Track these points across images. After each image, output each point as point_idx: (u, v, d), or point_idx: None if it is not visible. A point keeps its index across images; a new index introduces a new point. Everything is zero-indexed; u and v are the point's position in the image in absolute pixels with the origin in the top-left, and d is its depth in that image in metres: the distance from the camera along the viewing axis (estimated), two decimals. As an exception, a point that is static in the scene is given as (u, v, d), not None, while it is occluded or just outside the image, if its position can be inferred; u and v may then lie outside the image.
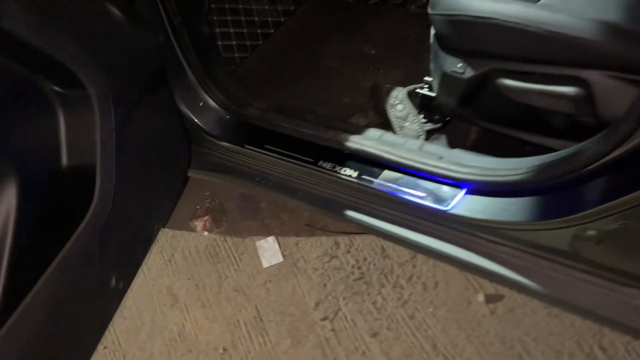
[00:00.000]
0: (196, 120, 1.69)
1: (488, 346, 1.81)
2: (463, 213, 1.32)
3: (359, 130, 1.52)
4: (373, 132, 1.51)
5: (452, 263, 1.40)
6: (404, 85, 1.71)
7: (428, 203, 1.37)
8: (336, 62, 1.94)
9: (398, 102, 1.59)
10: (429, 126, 1.59)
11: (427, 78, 1.54)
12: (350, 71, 1.91)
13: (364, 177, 1.46)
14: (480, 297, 1.94)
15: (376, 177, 1.45)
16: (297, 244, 2.19)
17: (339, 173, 1.49)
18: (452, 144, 1.59)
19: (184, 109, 1.68)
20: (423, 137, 1.55)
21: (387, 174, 1.44)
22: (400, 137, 1.51)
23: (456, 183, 1.35)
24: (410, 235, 1.42)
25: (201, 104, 1.68)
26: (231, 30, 2.15)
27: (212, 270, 2.21)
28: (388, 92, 1.62)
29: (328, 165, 1.52)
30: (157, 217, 1.48)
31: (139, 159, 1.28)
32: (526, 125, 1.38)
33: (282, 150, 1.60)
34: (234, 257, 2.22)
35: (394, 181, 1.43)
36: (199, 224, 2.30)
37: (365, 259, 2.09)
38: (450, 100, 1.43)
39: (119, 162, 1.10)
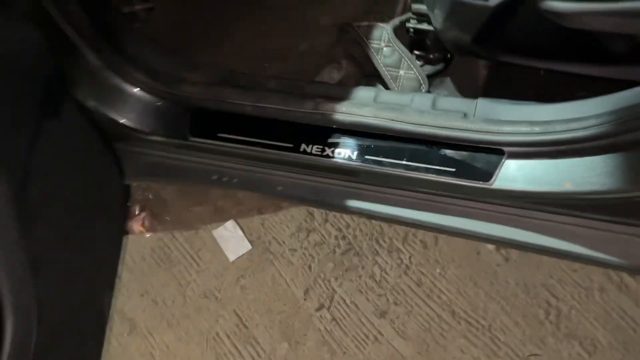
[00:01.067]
0: (114, 115, 1.23)
1: (511, 299, 1.60)
2: (513, 186, 1.01)
3: (345, 93, 1.13)
4: (364, 93, 1.13)
5: (503, 244, 1.11)
6: (375, 19, 1.31)
7: (462, 180, 1.04)
8: (275, -3, 1.49)
9: (385, 45, 1.20)
10: (429, 69, 1.23)
11: (417, 6, 1.16)
12: (298, 4, 1.47)
13: (367, 157, 1.10)
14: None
15: (384, 154, 1.10)
16: (263, 224, 1.83)
17: (331, 156, 1.12)
18: (464, 91, 1.24)
19: (94, 104, 1.20)
20: (425, 86, 1.19)
21: (397, 147, 1.09)
22: (400, 93, 1.14)
23: (494, 147, 1.03)
24: (443, 220, 1.11)
25: (116, 91, 1.21)
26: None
27: (168, 278, 1.81)
28: (368, 33, 1.22)
29: (314, 148, 1.14)
30: (103, 286, 1.06)
31: (64, 222, 0.84)
32: (571, 54, 1.05)
33: (244, 138, 1.19)
34: (191, 256, 1.83)
35: (410, 156, 1.08)
36: (135, 224, 1.86)
37: (348, 226, 1.78)
38: (463, 36, 1.07)
39: (33, 246, 0.67)
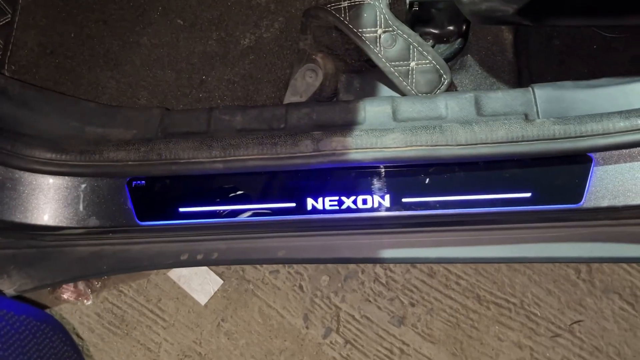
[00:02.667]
0: (13, 218, 0.81)
1: (536, 266, 1.42)
2: (611, 202, 0.75)
3: (351, 116, 0.79)
4: (377, 109, 0.80)
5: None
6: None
7: (542, 206, 0.77)
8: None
9: (382, 31, 0.84)
10: (444, 50, 0.90)
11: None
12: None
13: (405, 200, 0.79)
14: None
15: (428, 192, 0.79)
16: (228, 249, 1.48)
17: (354, 209, 0.80)
18: (495, 70, 0.92)
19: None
20: (447, 77, 0.86)
21: (445, 179, 0.78)
22: (424, 99, 0.81)
23: (577, 155, 0.75)
24: (517, 251, 0.84)
25: (5, 187, 0.78)
26: None
27: (132, 345, 1.45)
28: (355, 18, 0.85)
29: (328, 202, 0.81)
30: None
31: None
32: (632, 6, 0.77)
33: (220, 208, 0.82)
34: (152, 311, 1.47)
35: (465, 188, 0.78)
36: (64, 294, 1.45)
37: (331, 226, 1.47)
38: (507, 6, 0.74)
39: None
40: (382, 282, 1.43)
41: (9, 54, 0.99)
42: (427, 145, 0.76)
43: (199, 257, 0.91)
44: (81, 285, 1.46)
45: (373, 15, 0.85)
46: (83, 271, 0.94)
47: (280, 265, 1.48)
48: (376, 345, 1.41)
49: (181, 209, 0.84)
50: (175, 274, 1.48)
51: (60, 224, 0.84)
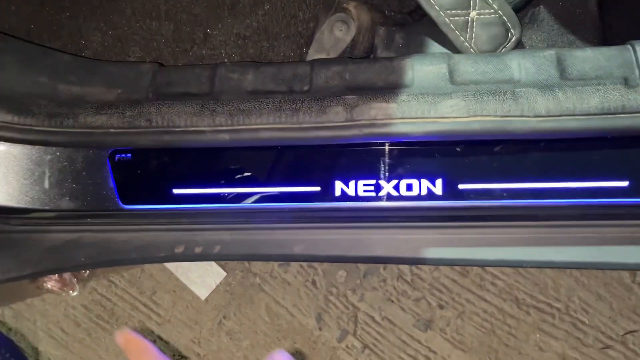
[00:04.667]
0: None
1: (585, 269, 1.23)
2: None
3: (394, 75, 0.61)
4: (428, 68, 0.62)
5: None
6: None
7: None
8: None
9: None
10: (512, -1, 0.71)
11: None
12: None
13: (462, 187, 0.62)
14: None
15: (495, 178, 0.61)
16: (233, 237, 1.31)
17: (395, 197, 0.62)
18: (577, 25, 0.73)
19: None
20: (516, 33, 0.67)
21: (516, 163, 0.61)
22: (493, 56, 0.63)
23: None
24: (612, 255, 0.66)
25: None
26: None
27: (121, 345, 1.28)
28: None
29: (363, 187, 0.63)
30: None
31: None
32: None
33: (223, 190, 0.65)
34: (145, 305, 1.30)
35: (541, 173, 0.60)
36: (50, 283, 1.29)
37: (350, 214, 1.29)
38: None
39: None
40: (407, 280, 1.26)
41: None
42: (496, 116, 0.58)
43: (198, 250, 0.73)
44: (66, 273, 1.29)
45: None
46: (56, 263, 0.77)
47: (292, 257, 1.30)
48: (399, 351, 1.24)
49: (175, 191, 0.67)
50: (173, 264, 1.31)
51: (24, 205, 0.67)
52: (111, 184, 0.67)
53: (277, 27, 0.82)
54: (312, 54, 0.74)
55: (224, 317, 1.29)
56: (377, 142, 0.63)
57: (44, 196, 0.67)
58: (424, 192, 0.63)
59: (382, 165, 0.64)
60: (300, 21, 0.82)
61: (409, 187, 0.63)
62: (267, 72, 0.66)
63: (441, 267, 1.26)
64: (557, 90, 0.59)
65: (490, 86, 0.61)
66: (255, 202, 0.66)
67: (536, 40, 0.73)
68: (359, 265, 1.28)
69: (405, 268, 1.27)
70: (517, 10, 0.72)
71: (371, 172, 0.64)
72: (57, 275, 1.29)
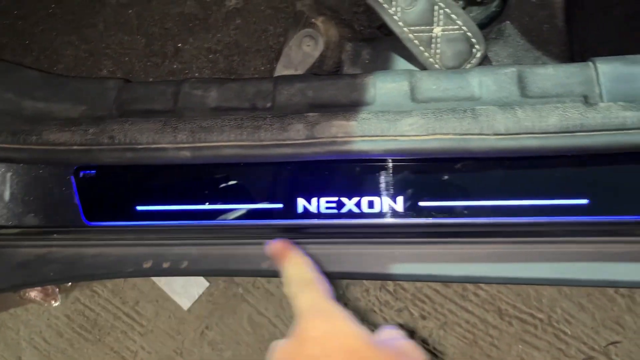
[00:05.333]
0: None
1: (567, 276, 1.22)
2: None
3: (357, 93, 0.61)
4: (390, 85, 0.62)
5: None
6: None
7: (601, 217, 0.59)
8: None
9: (399, -13, 0.66)
10: (477, 14, 0.71)
11: None
12: None
13: (422, 204, 0.61)
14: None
15: (453, 196, 0.61)
16: (216, 247, 1.31)
17: (357, 214, 0.62)
18: (543, 41, 0.73)
19: None
20: (481, 48, 0.67)
21: (476, 178, 0.61)
22: (455, 73, 0.63)
23: (653, 151, 0.57)
24: (572, 271, 0.66)
25: None
26: None
27: (104, 353, 1.29)
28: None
29: (324, 204, 0.63)
30: None
31: None
32: None
33: (187, 207, 0.65)
34: (128, 315, 1.30)
35: (500, 191, 0.60)
36: (33, 293, 1.29)
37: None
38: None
39: None
40: (390, 290, 1.26)
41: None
42: (455, 134, 0.58)
43: (166, 265, 0.73)
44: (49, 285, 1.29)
45: (386, -34, 0.66)
46: (26, 278, 0.77)
47: (275, 267, 1.31)
48: (381, 362, 1.23)
49: (139, 208, 0.67)
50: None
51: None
52: (76, 200, 0.67)
53: (248, 41, 0.82)
54: (280, 69, 0.75)
55: (207, 328, 1.29)
56: (339, 160, 0.63)
57: (8, 212, 0.67)
58: (385, 209, 0.63)
59: (344, 183, 0.64)
60: (271, 35, 0.82)
61: (371, 205, 0.63)
62: (230, 88, 0.66)
63: (424, 278, 1.26)
64: (516, 108, 0.59)
65: (451, 104, 0.61)
66: (219, 218, 0.66)
67: (502, 55, 0.73)
68: (342, 275, 1.28)
69: (387, 278, 1.27)
70: (483, 26, 0.72)
71: (333, 190, 0.64)
72: (40, 287, 1.29)
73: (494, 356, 1.21)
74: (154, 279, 1.30)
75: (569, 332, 1.20)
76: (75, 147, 0.64)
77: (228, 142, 0.62)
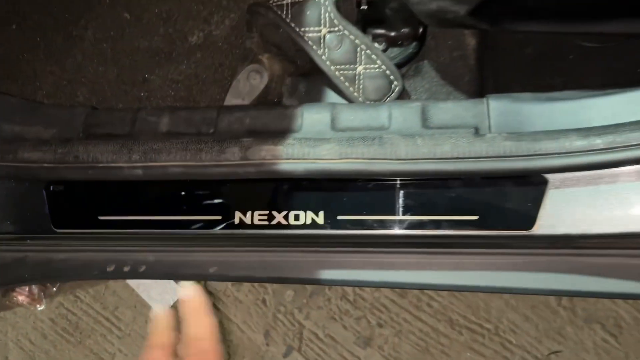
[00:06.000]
0: None
1: (514, 290, 1.31)
2: (566, 230, 0.67)
3: (286, 123, 0.72)
4: (315, 117, 0.73)
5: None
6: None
7: (489, 231, 0.68)
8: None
9: (327, 30, 0.77)
10: (397, 54, 0.82)
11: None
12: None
13: (340, 217, 0.71)
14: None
15: (365, 210, 0.71)
16: (191, 257, 1.41)
17: (285, 225, 0.72)
18: (452, 79, 0.84)
19: None
20: (399, 84, 0.78)
21: (384, 196, 0.71)
22: (367, 107, 0.73)
23: (531, 176, 0.67)
24: (462, 279, 0.75)
25: None
26: None
27: (84, 355, 1.39)
28: (296, 15, 0.77)
29: (257, 216, 0.73)
30: None
31: None
32: (618, 10, 0.68)
33: (140, 217, 0.75)
34: (108, 319, 1.40)
35: (406, 207, 0.70)
36: (19, 296, 1.39)
37: (299, 237, 1.39)
38: (457, 7, 0.66)
39: None
40: (350, 299, 1.35)
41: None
42: (364, 159, 0.68)
43: (126, 269, 0.84)
44: (35, 289, 1.40)
45: (317, 14, 0.77)
46: (4, 278, 0.87)
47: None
48: (339, 367, 1.33)
49: (100, 217, 0.77)
50: (135, 281, 1.41)
51: (-30, 228, 0.78)
52: (46, 210, 0.78)
53: (206, 72, 0.94)
54: (229, 99, 0.85)
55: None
56: (269, 178, 0.73)
57: (-12, 221, 0.78)
58: (308, 221, 0.73)
59: (274, 199, 0.74)
60: (227, 68, 0.93)
61: (297, 217, 0.73)
62: (180, 116, 0.76)
63: (382, 289, 1.35)
64: (417, 137, 0.69)
65: (364, 132, 0.72)
66: (168, 228, 0.76)
67: (420, 90, 0.84)
68: (306, 285, 1.37)
69: (349, 289, 1.36)
70: (402, 64, 0.83)
71: (264, 204, 0.74)
72: (27, 290, 1.39)
73: (444, 363, 1.30)
74: (133, 286, 1.40)
75: (514, 342, 1.29)
76: (45, 165, 0.75)
77: (174, 162, 0.72)
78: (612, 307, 1.28)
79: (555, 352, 1.28)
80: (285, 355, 1.33)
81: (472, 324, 1.31)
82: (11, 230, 0.79)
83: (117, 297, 1.40)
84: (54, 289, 1.41)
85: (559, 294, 0.76)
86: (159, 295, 1.39)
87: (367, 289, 1.35)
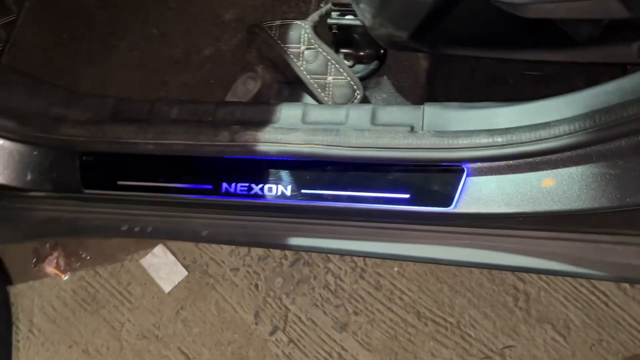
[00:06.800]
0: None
1: (477, 289, 1.49)
2: (478, 209, 0.85)
3: (267, 115, 0.93)
4: (289, 112, 0.93)
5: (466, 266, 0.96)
6: (287, 13, 1.09)
7: (418, 207, 0.87)
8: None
9: (305, 47, 0.99)
10: (362, 70, 1.03)
11: (337, -3, 0.94)
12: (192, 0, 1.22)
13: (304, 191, 0.91)
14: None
15: (323, 186, 0.91)
16: (196, 244, 1.62)
17: (261, 195, 0.93)
18: (405, 91, 1.05)
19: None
20: (360, 92, 0.99)
21: (338, 176, 0.90)
22: (331, 107, 0.94)
23: (452, 165, 0.86)
24: (400, 249, 0.94)
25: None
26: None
27: (98, 323, 1.59)
28: (283, 34, 1.00)
29: (239, 187, 0.94)
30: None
31: None
32: (527, 41, 0.88)
33: (150, 184, 0.97)
34: (120, 293, 1.61)
35: (354, 185, 0.90)
36: (48, 267, 1.61)
37: (292, 233, 1.58)
38: (398, 32, 0.87)
39: None
40: (332, 289, 1.53)
41: (8, 45, 1.18)
42: (323, 145, 0.89)
43: (136, 229, 1.05)
44: (62, 262, 1.62)
45: (298, 34, 0.99)
46: (40, 233, 1.09)
47: (241, 264, 1.60)
48: (317, 347, 1.50)
49: (119, 182, 0.99)
50: (147, 262, 1.62)
51: (18, 185, 1.00)
52: (78, 175, 1.00)
53: (214, 79, 1.16)
54: (228, 99, 1.07)
55: (181, 308, 1.58)
56: (250, 158, 0.94)
57: (32, 180, 1.00)
58: (279, 193, 0.93)
59: (253, 173, 0.94)
60: (231, 76, 1.15)
61: (270, 190, 0.93)
62: (187, 108, 0.98)
63: (360, 281, 1.53)
64: (365, 131, 0.89)
65: (326, 126, 0.92)
66: (171, 193, 0.97)
67: (378, 98, 1.04)
68: (294, 274, 1.56)
69: (331, 280, 1.55)
70: (365, 78, 1.04)
71: (245, 177, 0.94)
72: (55, 262, 1.62)
73: (410, 350, 1.46)
74: (145, 265, 1.61)
75: (473, 335, 1.45)
76: (80, 139, 0.97)
77: (179, 141, 0.93)
78: (563, 310, 1.44)
79: (509, 347, 1.43)
80: (271, 333, 1.52)
81: (437, 317, 1.47)
82: (50, 189, 1.00)
83: (130, 275, 1.61)
84: (78, 264, 1.63)
85: (473, 265, 0.94)
86: (166, 275, 1.60)
87: (347, 281, 1.54)
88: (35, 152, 0.98)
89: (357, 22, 0.96)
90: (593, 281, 1.46)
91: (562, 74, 1.10)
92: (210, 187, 0.95)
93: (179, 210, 1.02)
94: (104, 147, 0.96)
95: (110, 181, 0.99)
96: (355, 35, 1.00)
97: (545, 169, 0.82)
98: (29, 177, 1.00)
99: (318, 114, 0.93)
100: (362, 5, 0.87)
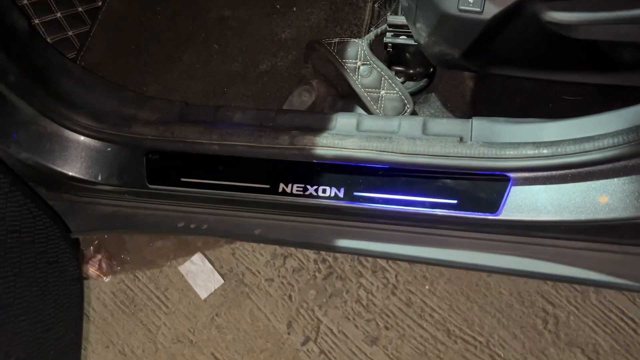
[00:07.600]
0: (55, 166, 1.05)
1: (507, 311, 1.52)
2: (522, 217, 0.91)
3: (324, 123, 1.00)
4: (345, 120, 1.00)
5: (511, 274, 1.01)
6: (343, 31, 1.18)
7: (465, 212, 0.93)
8: (227, 11, 1.31)
9: (361, 63, 1.07)
10: (412, 86, 1.10)
11: (393, 18, 1.02)
12: (252, 19, 1.31)
13: (356, 193, 0.97)
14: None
15: (375, 190, 0.97)
16: (234, 254, 1.68)
17: (315, 196, 0.99)
18: (452, 107, 1.12)
19: (29, 156, 1.02)
20: (410, 106, 1.06)
21: (389, 180, 0.96)
22: (384, 118, 1.01)
23: (498, 174, 0.92)
24: (447, 255, 1.00)
25: (55, 140, 1.03)
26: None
27: (135, 325, 1.64)
28: (340, 51, 1.08)
29: (295, 188, 1.00)
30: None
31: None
32: (572, 64, 0.95)
33: (211, 181, 1.03)
34: (158, 297, 1.66)
35: (405, 190, 0.96)
36: (91, 268, 1.67)
37: (326, 248, 1.64)
38: (451, 50, 0.94)
39: None
40: (363, 304, 1.58)
41: (82, 53, 1.28)
42: (376, 150, 0.95)
43: (192, 226, 1.11)
44: (104, 264, 1.69)
45: (355, 51, 1.08)
46: (102, 226, 1.16)
47: (276, 275, 1.66)
48: (348, 359, 1.54)
49: (182, 179, 1.06)
50: (185, 268, 1.68)
51: (88, 178, 1.07)
52: (144, 171, 1.07)
53: (270, 91, 1.24)
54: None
55: (216, 315, 1.63)
56: (307, 161, 1.01)
57: (100, 173, 1.08)
58: (332, 194, 0.99)
59: (309, 175, 1.01)
60: (285, 89, 1.23)
61: (324, 191, 1.00)
62: (249, 113, 1.06)
63: (391, 297, 1.58)
64: (417, 139, 0.96)
65: (379, 134, 0.99)
66: (230, 190, 1.04)
67: (426, 113, 1.11)
68: (327, 287, 1.61)
69: (363, 294, 1.59)
70: (414, 93, 1.11)
71: (301, 179, 1.01)
72: (97, 264, 1.68)
73: (439, 366, 1.49)
74: (183, 272, 1.67)
75: (502, 355, 1.48)
76: (149, 137, 1.04)
77: (242, 143, 1.01)
78: (592, 334, 1.47)
79: (537, 368, 1.45)
80: (303, 344, 1.56)
81: (466, 336, 1.50)
82: (117, 184, 1.08)
83: (168, 280, 1.67)
84: (119, 267, 1.70)
85: (514, 274, 0.98)
86: (203, 282, 1.65)
87: (379, 297, 1.58)
88: (108, 149, 1.06)
89: (410, 42, 1.04)
90: (622, 307, 1.49)
91: (602, 100, 1.17)
92: (267, 186, 1.02)
93: (234, 209, 1.09)
94: (170, 147, 1.04)
95: (174, 178, 1.06)
96: (407, 54, 1.08)
97: (590, 180, 0.88)
98: (99, 172, 1.07)
99: (372, 123, 1.00)
100: (418, 25, 0.94)
